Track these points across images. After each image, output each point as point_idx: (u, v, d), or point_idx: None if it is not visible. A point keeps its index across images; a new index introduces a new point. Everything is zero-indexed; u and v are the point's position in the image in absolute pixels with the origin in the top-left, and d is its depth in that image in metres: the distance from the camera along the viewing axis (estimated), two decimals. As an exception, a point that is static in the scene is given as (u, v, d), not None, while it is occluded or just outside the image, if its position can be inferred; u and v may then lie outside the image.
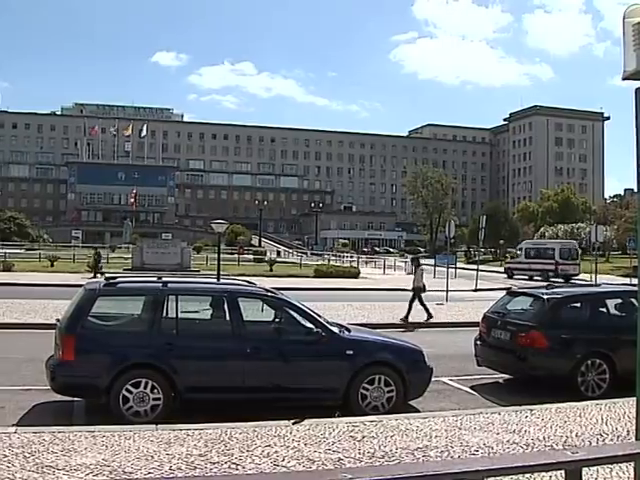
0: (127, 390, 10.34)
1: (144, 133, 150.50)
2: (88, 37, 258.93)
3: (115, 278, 11.86)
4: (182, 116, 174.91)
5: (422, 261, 27.16)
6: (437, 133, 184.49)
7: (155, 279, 12.01)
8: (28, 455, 8.06)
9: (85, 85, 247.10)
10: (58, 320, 11.41)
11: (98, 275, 41.66)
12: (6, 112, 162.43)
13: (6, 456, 8.01)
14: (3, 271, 43.87)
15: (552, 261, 53.08)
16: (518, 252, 59.37)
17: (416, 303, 23.64)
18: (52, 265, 49.46)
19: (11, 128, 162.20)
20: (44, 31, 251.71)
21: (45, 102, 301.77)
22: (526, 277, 53.23)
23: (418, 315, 23.43)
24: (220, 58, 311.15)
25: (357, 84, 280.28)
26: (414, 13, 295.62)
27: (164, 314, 11.08)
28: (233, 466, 7.95)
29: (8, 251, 60.04)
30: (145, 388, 10.40)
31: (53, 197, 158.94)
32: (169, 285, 11.49)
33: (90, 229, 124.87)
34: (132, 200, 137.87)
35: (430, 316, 23.75)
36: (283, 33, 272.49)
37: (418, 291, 24.32)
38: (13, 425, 9.79)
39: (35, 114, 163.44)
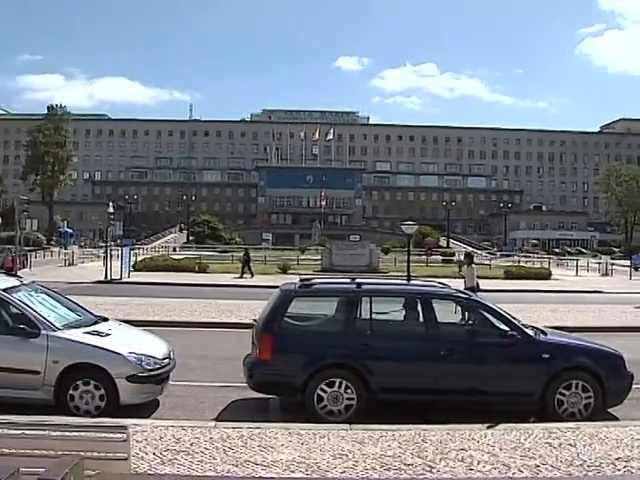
0: (322, 389, 10.41)
1: (331, 136, 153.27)
2: (273, 45, 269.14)
3: (310, 279, 11.99)
4: (368, 119, 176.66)
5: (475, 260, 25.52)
6: (631, 128, 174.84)
7: (349, 280, 12.06)
8: (227, 449, 8.27)
9: (272, 92, 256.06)
10: (255, 320, 11.69)
11: (246, 275, 43.12)
12: (199, 121, 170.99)
13: (207, 449, 8.27)
14: (199, 272, 45.88)
15: None
16: None
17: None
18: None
19: (204, 136, 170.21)
20: (231, 42, 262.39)
21: (235, 110, 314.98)
22: None
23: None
24: (402, 60, 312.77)
25: (544, 80, 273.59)
26: (599, 5, 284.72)
27: (358, 315, 11.08)
28: (427, 468, 7.80)
29: (203, 253, 62.89)
30: (339, 388, 10.43)
31: (244, 201, 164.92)
32: (363, 286, 11.49)
33: (280, 231, 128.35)
34: (321, 203, 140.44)
35: None
36: (464, 33, 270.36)
37: (471, 291, 23.32)
38: (212, 420, 10.14)
39: (226, 121, 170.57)
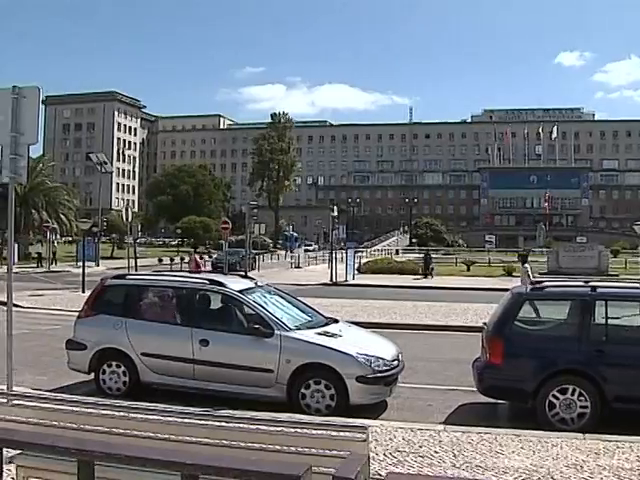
0: (554, 396, 10.09)
1: (554, 135, 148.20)
2: (490, 45, 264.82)
3: (541, 282, 11.68)
4: (593, 115, 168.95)
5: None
6: None
7: (582, 283, 11.62)
8: (457, 453, 8.24)
9: (492, 91, 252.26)
10: (485, 324, 11.55)
11: (429, 276, 43.35)
12: (419, 123, 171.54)
13: (437, 452, 8.28)
14: (422, 275, 46.00)
15: None
16: None
17: None
18: (468, 269, 50.73)
19: (424, 138, 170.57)
20: (446, 44, 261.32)
21: (455, 111, 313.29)
22: None
23: None
24: (626, 53, 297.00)
25: None
26: None
27: (592, 320, 10.61)
28: (669, 485, 7.37)
29: (426, 256, 62.81)
30: (572, 395, 10.06)
31: (466, 203, 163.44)
32: (598, 290, 11.00)
33: (503, 233, 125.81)
34: (546, 204, 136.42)
35: None
36: None
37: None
38: (441, 423, 10.13)
39: (446, 123, 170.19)
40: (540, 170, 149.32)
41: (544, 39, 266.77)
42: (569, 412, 10.06)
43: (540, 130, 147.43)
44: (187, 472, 3.07)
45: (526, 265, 23.46)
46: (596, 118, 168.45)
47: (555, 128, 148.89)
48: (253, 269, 45.38)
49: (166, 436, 5.14)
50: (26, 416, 5.63)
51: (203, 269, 28.80)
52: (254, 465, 3.05)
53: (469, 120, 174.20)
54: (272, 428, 5.06)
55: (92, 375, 12.09)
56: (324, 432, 4.94)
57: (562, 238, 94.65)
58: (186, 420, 5.32)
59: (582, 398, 10.04)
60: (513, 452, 8.30)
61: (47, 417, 5.59)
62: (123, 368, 11.72)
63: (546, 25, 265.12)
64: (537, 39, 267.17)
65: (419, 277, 44.53)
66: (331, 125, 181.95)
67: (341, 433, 4.92)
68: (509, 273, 44.53)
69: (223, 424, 5.15)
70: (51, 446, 3.46)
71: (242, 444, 4.97)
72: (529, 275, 23.05)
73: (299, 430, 5.00)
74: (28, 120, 10.15)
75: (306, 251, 77.73)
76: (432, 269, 45.90)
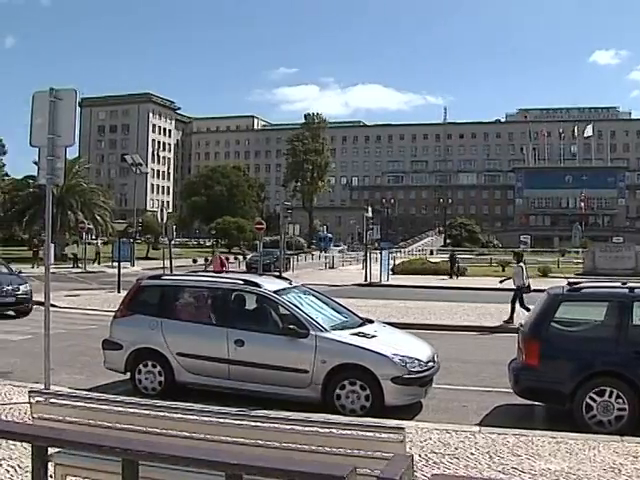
0: (591, 398, 9.97)
1: (589, 134, 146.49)
2: (525, 44, 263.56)
3: (578, 283, 11.54)
4: (629, 114, 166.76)
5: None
6: None
7: (620, 284, 11.46)
8: (493, 455, 8.19)
9: (527, 91, 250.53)
10: (521, 325, 11.46)
11: (454, 277, 43.76)
12: (453, 123, 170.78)
13: (473, 454, 8.24)
14: (457, 275, 45.81)
15: None
16: None
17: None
18: (503, 270, 50.27)
19: (458, 138, 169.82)
20: (479, 43, 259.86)
21: (489, 111, 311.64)
22: None
23: None
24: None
25: None
26: None
27: (630, 321, 10.46)
28: None
29: (460, 256, 62.54)
30: (610, 397, 9.93)
31: (500, 203, 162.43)
32: (636, 291, 10.81)
33: (538, 233, 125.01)
34: (582, 204, 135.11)
35: (510, 320, 21.13)
36: None
37: (520, 290, 21.86)
38: (476, 425, 10.07)
39: (480, 123, 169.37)
40: (576, 170, 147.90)
41: (579, 38, 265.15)
42: (606, 414, 9.93)
43: (575, 129, 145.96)
44: (231, 472, 3.08)
45: (521, 264, 23.01)
46: (632, 117, 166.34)
47: (590, 127, 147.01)
48: (287, 270, 45.44)
49: (203, 436, 5.17)
50: (64, 415, 5.68)
51: (226, 269, 28.81)
52: (298, 465, 3.05)
53: (503, 120, 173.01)
54: (307, 428, 5.06)
55: (128, 375, 12.20)
56: (360, 433, 4.94)
57: (598, 238, 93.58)
58: (221, 420, 5.34)
59: (620, 400, 9.91)
60: (550, 455, 8.23)
61: (84, 416, 5.63)
62: (159, 368, 11.80)
63: (581, 24, 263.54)
64: (572, 38, 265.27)
65: (445, 277, 44.52)
66: (365, 125, 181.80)
67: (376, 434, 4.90)
68: (544, 274, 44.17)
69: (259, 424, 5.16)
70: (97, 445, 3.49)
71: (277, 444, 4.99)
72: (523, 275, 22.52)
73: (334, 431, 5.00)
74: (65, 122, 10.27)
75: (340, 251, 77.53)
76: (459, 269, 45.97)
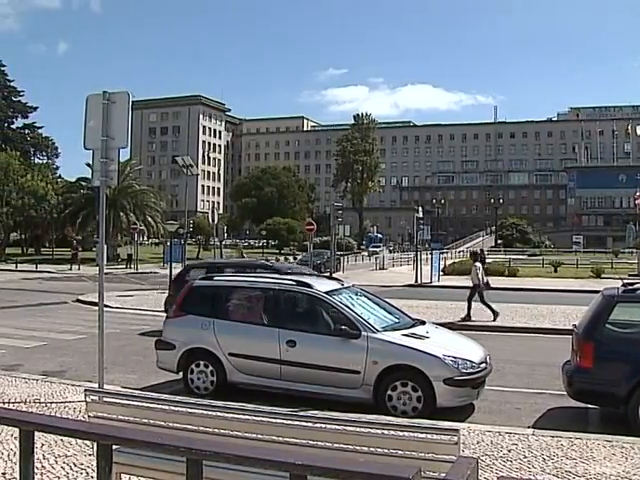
0: (644, 401, 9.81)
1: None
2: (573, 42, 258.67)
3: (633, 284, 11.32)
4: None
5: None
6: None
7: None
8: (547, 458, 8.09)
9: (579, 89, 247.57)
10: (575, 326, 11.30)
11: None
12: (504, 123, 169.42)
13: (526, 457, 8.16)
14: (508, 276, 45.27)
15: None
16: None
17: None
18: (555, 270, 49.74)
19: (509, 137, 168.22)
20: (531, 42, 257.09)
21: (540, 110, 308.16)
22: None
23: None
24: None
25: None
26: None
27: None
28: None
29: (512, 257, 62.06)
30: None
31: (552, 203, 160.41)
32: None
33: (591, 234, 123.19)
34: (637, 201, 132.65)
35: (495, 315, 21.61)
36: None
37: (476, 288, 21.95)
38: (529, 427, 9.97)
39: (532, 122, 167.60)
40: (629, 169, 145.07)
41: (630, 36, 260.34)
42: (654, 419, 9.76)
43: (629, 128, 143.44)
44: (296, 472, 3.08)
45: (477, 263, 22.69)
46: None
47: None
48: (338, 270, 45.46)
49: (255, 436, 5.20)
50: (118, 414, 5.76)
51: None
52: (363, 466, 3.04)
53: (555, 118, 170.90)
54: (360, 429, 5.06)
55: (180, 374, 12.32)
56: (413, 434, 4.92)
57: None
58: (273, 420, 5.36)
59: (676, 404, 9.73)
60: (604, 458, 8.11)
61: (139, 415, 5.70)
62: (211, 368, 11.90)
63: (632, 22, 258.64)
64: (623, 36, 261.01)
65: (504, 278, 43.60)
66: (414, 125, 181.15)
67: (428, 436, 4.88)
68: (598, 275, 43.50)
69: (310, 424, 5.17)
70: (161, 444, 3.52)
71: (329, 444, 4.99)
72: (478, 275, 22.38)
73: (386, 432, 4.99)
74: (118, 125, 10.41)
75: (373, 253, 76.58)
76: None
